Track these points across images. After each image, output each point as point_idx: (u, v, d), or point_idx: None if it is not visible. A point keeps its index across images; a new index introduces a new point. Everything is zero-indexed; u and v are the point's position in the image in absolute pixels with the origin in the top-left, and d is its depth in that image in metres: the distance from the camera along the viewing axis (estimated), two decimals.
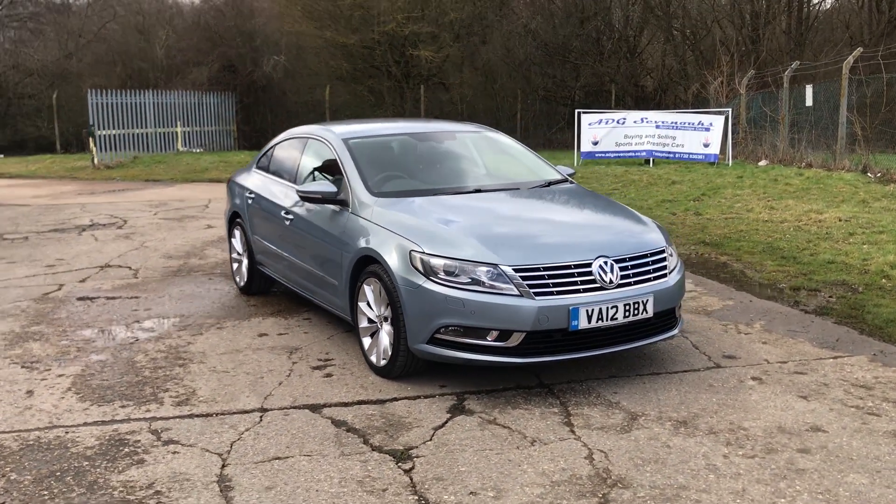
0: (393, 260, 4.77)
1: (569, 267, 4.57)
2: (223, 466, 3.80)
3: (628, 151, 18.68)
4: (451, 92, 27.93)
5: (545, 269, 4.53)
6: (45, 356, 5.53)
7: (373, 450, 3.97)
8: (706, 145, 17.95)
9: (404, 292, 4.66)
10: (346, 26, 26.53)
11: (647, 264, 4.82)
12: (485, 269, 4.51)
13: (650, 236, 5.05)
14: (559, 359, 4.60)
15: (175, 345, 5.75)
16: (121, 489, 3.59)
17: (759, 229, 9.76)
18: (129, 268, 8.65)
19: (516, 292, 4.45)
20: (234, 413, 4.47)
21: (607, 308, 4.52)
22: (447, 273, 4.55)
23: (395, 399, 4.65)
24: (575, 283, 4.54)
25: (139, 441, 4.11)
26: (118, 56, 27.28)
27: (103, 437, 4.15)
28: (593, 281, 4.57)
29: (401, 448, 3.99)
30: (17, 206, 14.74)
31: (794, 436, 4.03)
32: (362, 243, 5.06)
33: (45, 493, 3.57)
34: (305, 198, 5.53)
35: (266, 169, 6.97)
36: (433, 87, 27.95)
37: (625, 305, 4.57)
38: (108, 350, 5.66)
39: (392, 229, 4.93)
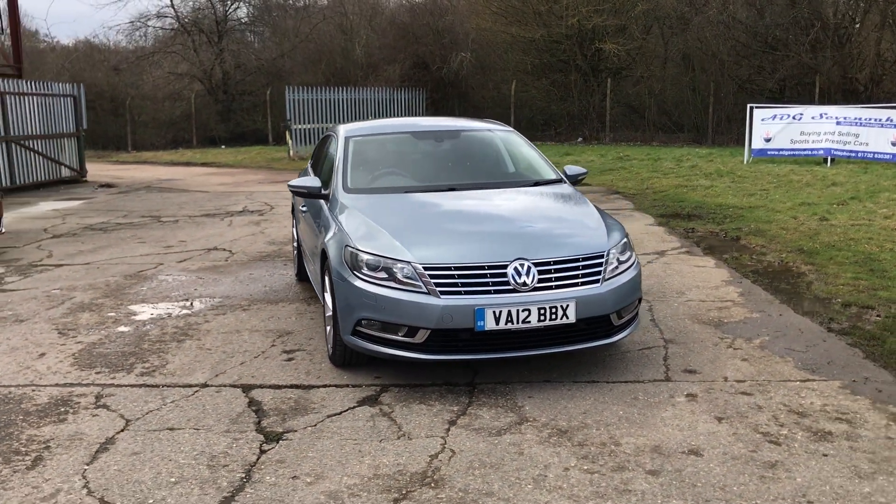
0: (333, 254, 5.03)
1: (482, 267, 4.59)
2: (120, 431, 4.27)
3: (804, 149, 17.35)
4: (638, 85, 27.16)
5: (455, 268, 4.58)
6: (83, 324, 6.35)
7: (256, 430, 4.27)
8: (894, 144, 16.26)
9: (336, 285, 4.91)
10: (533, 21, 26.64)
11: (575, 269, 4.70)
12: (400, 265, 4.65)
13: (590, 241, 4.90)
14: (465, 358, 4.64)
15: (193, 322, 6.37)
16: (24, 440, 4.17)
17: (874, 239, 8.88)
18: (230, 251, 9.51)
19: (424, 290, 4.55)
20: (177, 386, 4.95)
21: (518, 311, 4.49)
22: (369, 268, 4.73)
23: (324, 386, 4.91)
24: (486, 284, 4.55)
25: (79, 403, 4.69)
26: (323, 55, 29.27)
27: (56, 398, 4.78)
28: (507, 283, 4.55)
29: (280, 431, 4.25)
30: (198, 192, 16.44)
31: (662, 457, 3.83)
32: (323, 237, 5.35)
33: None
34: (294, 191, 5.91)
35: (312, 163, 7.45)
36: (621, 80, 27.33)
37: (539, 309, 4.51)
38: (136, 323, 6.38)
39: (343, 224, 5.19)
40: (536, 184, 5.91)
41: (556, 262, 4.68)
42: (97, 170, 22.09)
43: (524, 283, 4.56)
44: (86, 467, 3.84)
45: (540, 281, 4.60)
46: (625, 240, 5.11)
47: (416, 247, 4.72)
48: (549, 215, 5.36)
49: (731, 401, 4.50)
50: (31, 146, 17.35)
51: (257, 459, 3.90)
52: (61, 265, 8.86)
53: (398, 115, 26.54)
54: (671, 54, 27.19)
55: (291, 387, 4.91)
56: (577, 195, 5.76)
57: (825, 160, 16.96)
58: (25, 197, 16.00)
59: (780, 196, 12.64)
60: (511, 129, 6.73)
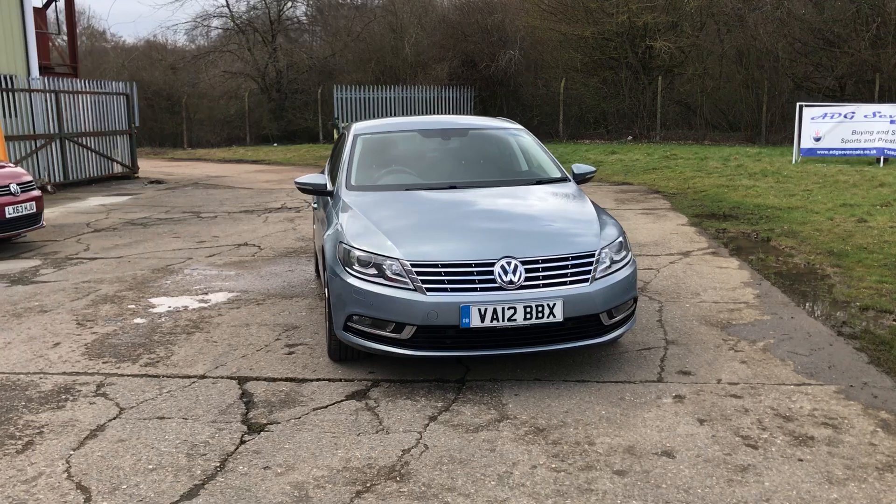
0: (328, 249, 5.11)
1: (469, 265, 4.61)
2: (113, 419, 4.41)
3: (856, 149, 16.89)
4: (691, 83, 26.72)
5: (443, 265, 4.61)
6: (102, 316, 6.56)
7: (241, 421, 4.36)
8: None
9: (330, 280, 4.99)
10: (583, 19, 26.45)
11: (564, 268, 4.68)
12: (389, 262, 4.70)
13: (581, 241, 4.87)
14: (451, 354, 4.66)
15: (206, 315, 6.52)
16: (20, 425, 4.34)
17: None
18: (259, 247, 9.69)
19: (412, 286, 4.59)
20: (177, 377, 5.09)
21: (503, 309, 4.50)
22: (361, 265, 4.80)
23: (317, 380, 4.99)
24: (472, 282, 4.57)
25: (80, 391, 4.86)
26: (373, 54, 29.51)
27: (60, 385, 4.96)
28: (493, 281, 4.57)
29: (264, 422, 4.34)
30: (242, 189, 16.77)
31: (633, 457, 3.80)
32: (323, 233, 5.43)
33: None
34: (300, 188, 6.01)
35: (330, 160, 7.55)
36: (673, 78, 26.94)
37: (525, 308, 4.52)
38: (152, 315, 6.56)
39: (341, 221, 5.26)
40: (539, 182, 5.90)
41: (544, 261, 4.67)
42: (151, 166, 22.68)
43: (511, 282, 4.56)
44: (72, 453, 3.98)
45: (527, 279, 4.60)
46: (620, 239, 5.07)
47: (405, 244, 4.76)
48: (545, 214, 5.34)
49: (719, 403, 4.44)
50: (85, 143, 17.90)
51: (235, 450, 3.99)
52: (95, 258, 9.14)
53: (446, 113, 26.62)
54: (725, 51, 26.68)
55: (286, 380, 5.00)
56: (579, 194, 5.72)
57: (878, 160, 16.47)
58: (77, 192, 16.53)
59: (822, 197, 12.34)
60: (521, 127, 6.72)
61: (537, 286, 4.61)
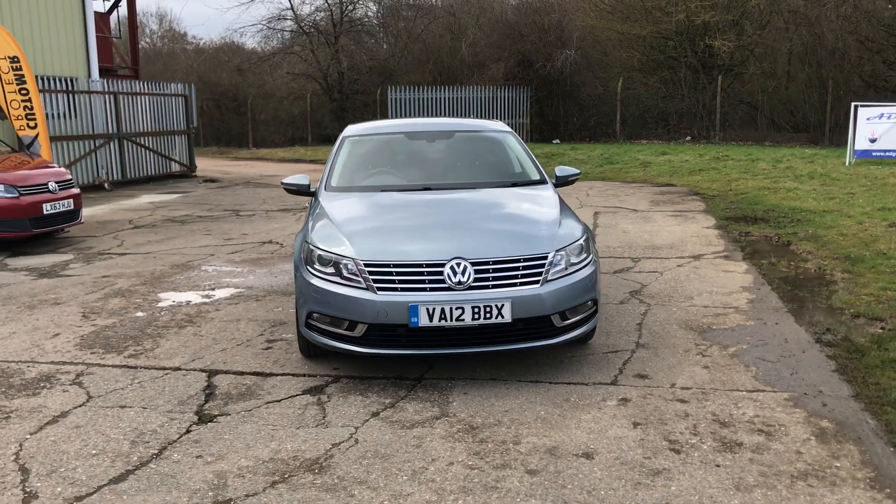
0: (296, 248, 5.29)
1: (420, 265, 4.71)
2: (78, 406, 4.66)
3: None
4: (751, 83, 26.10)
5: (394, 265, 4.73)
6: (107, 309, 6.89)
7: (195, 412, 4.56)
8: None
9: (295, 278, 5.16)
10: (641, 18, 26.13)
11: (515, 270, 4.74)
12: (345, 262, 4.84)
13: (536, 242, 4.91)
14: (401, 353, 4.76)
15: (204, 310, 6.78)
16: None
17: None
18: (281, 245, 9.97)
19: (364, 286, 4.72)
20: (153, 368, 5.33)
21: (451, 309, 4.59)
22: (321, 264, 4.95)
23: (282, 374, 5.16)
24: (423, 282, 4.67)
25: (59, 379, 5.14)
26: (431, 54, 29.74)
27: (43, 374, 5.26)
28: (443, 281, 4.66)
29: (216, 414, 4.53)
30: None
31: (552, 458, 3.85)
32: (300, 234, 5.62)
33: None
34: (286, 189, 6.20)
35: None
36: (734, 77, 26.36)
37: (473, 308, 4.59)
38: (153, 310, 6.86)
39: (311, 221, 5.44)
40: (515, 185, 5.95)
41: (494, 262, 4.73)
42: (212, 165, 23.39)
43: (459, 282, 4.65)
44: (28, 437, 4.24)
45: (476, 280, 4.67)
46: (580, 242, 5.09)
47: (362, 244, 4.89)
48: (506, 216, 5.39)
49: (662, 407, 4.43)
50: (143, 143, 18.59)
51: (178, 439, 4.19)
52: (125, 254, 9.55)
53: (500, 114, 26.68)
54: (790, 50, 25.98)
55: (253, 373, 5.19)
56: (550, 197, 5.74)
57: None
58: (132, 190, 17.20)
59: (862, 200, 11.97)
60: (509, 130, 6.78)
61: (486, 287, 4.68)
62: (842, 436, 4.02)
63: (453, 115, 25.80)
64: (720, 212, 11.87)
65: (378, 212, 5.49)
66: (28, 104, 12.26)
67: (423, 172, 6.16)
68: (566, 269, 4.89)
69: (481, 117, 26.74)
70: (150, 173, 18.97)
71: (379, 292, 4.67)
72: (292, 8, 32.70)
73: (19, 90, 12.13)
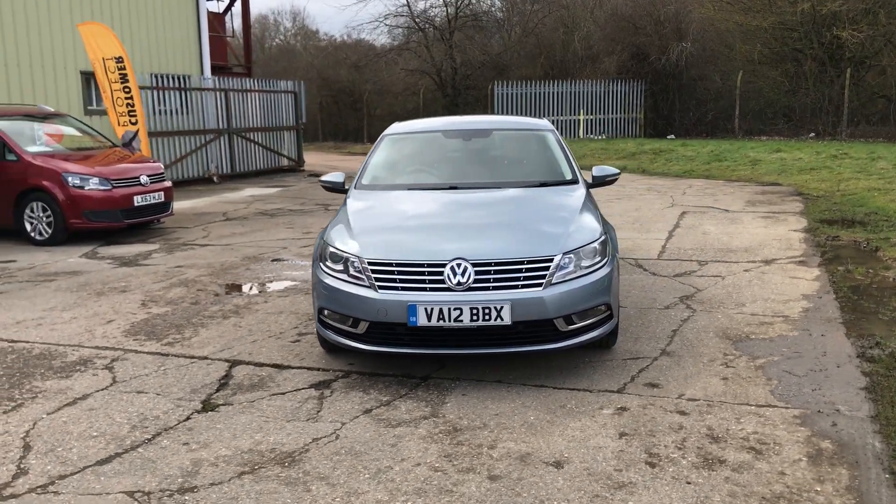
0: (316, 245, 5.40)
1: (421, 265, 4.71)
2: (100, 390, 4.94)
3: None
4: (884, 76, 24.46)
5: (396, 264, 4.75)
6: (166, 298, 7.24)
7: (202, 400, 4.74)
8: None
9: (311, 275, 5.27)
10: (763, 8, 24.99)
11: (517, 272, 4.67)
12: (352, 260, 4.91)
13: (542, 244, 4.81)
14: (401, 351, 4.78)
15: (253, 302, 7.02)
16: (25, 389, 4.96)
17: None
18: None
19: (367, 284, 4.78)
20: (182, 356, 5.57)
21: (450, 309, 4.57)
22: (332, 261, 5.04)
23: (298, 367, 5.28)
24: (423, 282, 4.68)
25: (94, 364, 5.46)
26: (543, 48, 29.48)
27: (82, 357, 5.59)
28: (443, 282, 4.65)
29: (220, 403, 4.70)
30: None
31: (521, 465, 3.78)
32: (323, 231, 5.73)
33: None
34: (323, 186, 6.33)
35: None
36: (865, 70, 24.79)
37: (472, 309, 4.56)
38: (208, 300, 7.16)
39: (334, 219, 5.54)
40: (543, 185, 5.84)
41: (497, 264, 4.68)
42: (322, 160, 24.10)
43: (459, 283, 4.62)
44: (44, 417, 4.52)
45: (477, 281, 4.63)
46: (594, 245, 4.95)
47: (369, 243, 4.95)
48: (519, 217, 5.30)
49: (658, 418, 4.27)
50: (251, 138, 19.35)
51: (175, 425, 4.37)
52: (206, 245, 10.01)
53: (612, 109, 26.16)
54: None
55: (272, 365, 5.34)
56: (574, 198, 5.60)
57: None
58: (238, 183, 17.95)
59: None
60: (550, 128, 6.64)
61: (487, 289, 4.63)
62: (838, 458, 3.75)
63: (560, 112, 25.50)
64: (817, 214, 11.25)
65: (393, 211, 5.52)
66: (130, 101, 13.02)
67: (453, 171, 6.15)
68: (574, 271, 4.78)
69: (591, 112, 26.32)
70: (258, 167, 19.73)
71: (380, 291, 4.71)
72: (408, 4, 33.17)
73: (123, 88, 12.90)
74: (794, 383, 4.73)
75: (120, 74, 12.86)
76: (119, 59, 12.87)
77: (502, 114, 24.53)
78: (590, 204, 5.57)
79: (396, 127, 6.84)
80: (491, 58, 31.15)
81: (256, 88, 19.72)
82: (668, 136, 25.77)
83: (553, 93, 25.43)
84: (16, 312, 6.87)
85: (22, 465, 3.91)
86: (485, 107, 30.02)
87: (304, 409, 4.56)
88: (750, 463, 3.73)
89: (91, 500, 3.55)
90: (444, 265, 4.68)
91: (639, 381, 4.84)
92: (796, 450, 3.85)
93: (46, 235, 10.18)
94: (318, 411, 4.52)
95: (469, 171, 6.13)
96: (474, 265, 4.66)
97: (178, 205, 14.11)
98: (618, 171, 6.27)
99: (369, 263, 4.80)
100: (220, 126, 18.34)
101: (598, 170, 6.20)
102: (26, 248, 10.06)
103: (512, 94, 24.53)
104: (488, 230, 5.06)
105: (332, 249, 5.07)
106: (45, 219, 10.15)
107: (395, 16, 33.10)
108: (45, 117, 11.51)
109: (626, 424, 4.21)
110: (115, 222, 10.39)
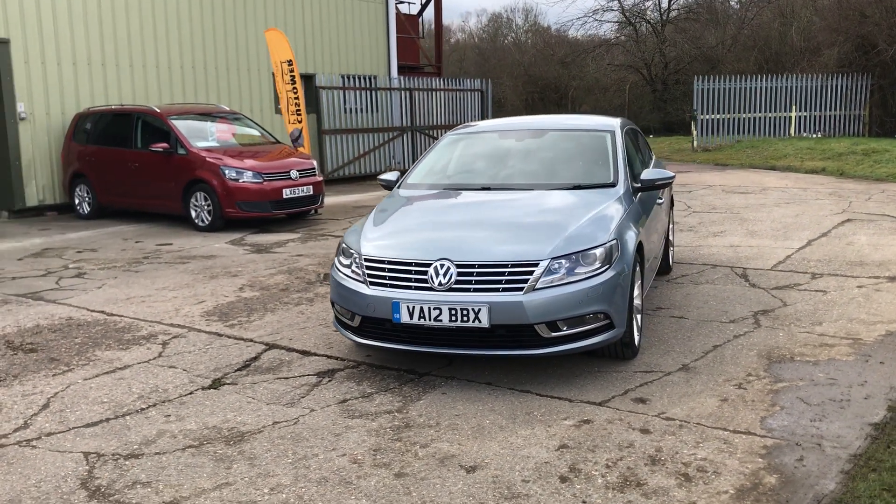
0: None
1: (409, 264, 4.82)
2: (143, 362, 5.50)
3: None
4: None
5: (388, 262, 4.89)
6: (265, 284, 7.82)
7: (214, 380, 5.14)
8: None
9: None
10: None
11: (500, 274, 4.63)
12: (354, 256, 5.11)
13: (529, 248, 4.70)
14: (387, 346, 4.92)
15: (320, 295, 7.38)
16: (85, 357, 5.64)
17: None
18: None
19: (361, 280, 4.97)
20: (232, 338, 6.05)
21: (430, 308, 4.65)
22: (343, 256, 5.28)
23: (318, 355, 5.56)
24: (409, 280, 4.78)
25: (156, 339, 6.07)
26: (757, 41, 27.68)
27: (150, 333, 6.23)
28: (426, 281, 4.73)
29: (228, 382, 5.09)
30: None
31: (437, 465, 3.78)
32: None
33: (71, 342, 5.80)
34: (380, 184, 6.56)
35: None
36: None
37: (451, 310, 4.60)
38: (297, 287, 7.65)
39: (365, 217, 5.77)
40: (577, 187, 5.67)
41: (480, 266, 4.67)
42: None
43: (440, 283, 4.67)
44: (79, 381, 5.13)
45: (458, 283, 4.65)
46: (596, 251, 4.77)
47: (371, 241, 5.12)
48: (521, 219, 5.19)
49: (613, 435, 4.08)
50: (434, 135, 20.01)
51: (173, 399, 4.80)
52: (339, 236, 10.60)
53: (831, 105, 24.10)
54: None
55: (300, 351, 5.67)
56: (600, 201, 5.37)
57: None
58: None
59: None
60: (612, 129, 6.27)
61: (468, 290, 4.64)
62: (770, 496, 3.40)
63: (769, 109, 23.86)
64: None
65: (409, 211, 5.63)
66: (297, 101, 14.00)
67: (493, 173, 6.12)
68: (565, 276, 4.65)
69: (806, 109, 24.38)
70: None
71: (371, 287, 4.87)
72: None
73: (292, 89, 13.90)
74: (798, 412, 4.30)
75: (290, 76, 13.88)
76: (289, 62, 13.90)
77: (702, 110, 23.40)
78: (619, 208, 5.33)
79: (462, 127, 6.91)
80: (703, 51, 29.79)
81: (441, 87, 20.34)
82: None
83: (762, 88, 23.82)
84: (133, 289, 7.74)
85: (28, 422, 4.49)
86: (691, 102, 28.80)
87: (292, 394, 4.82)
88: (666, 489, 3.48)
89: (54, 456, 4.03)
90: (429, 265, 4.74)
91: (629, 396, 4.62)
92: (730, 481, 3.54)
93: (206, 222, 11.27)
94: (303, 397, 4.76)
95: (508, 173, 6.08)
96: (458, 266, 4.69)
97: (344, 198, 15.00)
98: (672, 174, 5.93)
99: (365, 260, 4.98)
100: (404, 124, 19.13)
101: (650, 173, 5.91)
102: (188, 233, 11.21)
103: (715, 89, 23.27)
104: (480, 232, 5.04)
105: (343, 245, 5.29)
106: (205, 207, 11.25)
107: (606, 10, 32.56)
108: (219, 116, 12.70)
109: (575, 437, 4.06)
110: (265, 213, 11.29)
